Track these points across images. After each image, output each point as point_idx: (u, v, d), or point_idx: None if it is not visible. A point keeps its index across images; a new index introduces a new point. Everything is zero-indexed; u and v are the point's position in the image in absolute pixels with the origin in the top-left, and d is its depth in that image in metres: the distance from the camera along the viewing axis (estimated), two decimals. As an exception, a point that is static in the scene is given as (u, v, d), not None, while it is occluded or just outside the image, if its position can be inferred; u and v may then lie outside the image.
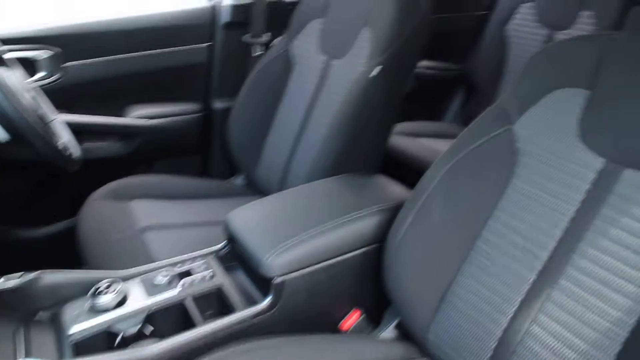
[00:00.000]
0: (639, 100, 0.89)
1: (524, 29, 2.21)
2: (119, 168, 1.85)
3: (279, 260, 1.06)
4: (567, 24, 2.06)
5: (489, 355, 0.93)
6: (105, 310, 1.05)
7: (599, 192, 0.88)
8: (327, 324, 1.17)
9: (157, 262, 1.22)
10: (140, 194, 1.64)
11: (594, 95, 0.94)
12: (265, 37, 2.00)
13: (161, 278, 1.13)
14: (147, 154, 1.94)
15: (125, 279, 1.15)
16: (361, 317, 1.17)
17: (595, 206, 0.88)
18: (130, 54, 1.83)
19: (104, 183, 1.65)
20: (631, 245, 0.82)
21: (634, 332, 0.79)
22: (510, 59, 2.25)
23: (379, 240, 1.17)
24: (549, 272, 0.90)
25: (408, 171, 1.53)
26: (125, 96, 1.89)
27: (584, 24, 2.01)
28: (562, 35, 2.08)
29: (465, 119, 2.54)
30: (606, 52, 0.95)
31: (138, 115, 1.87)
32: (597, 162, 0.90)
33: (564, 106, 0.97)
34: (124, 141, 1.86)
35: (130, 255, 1.34)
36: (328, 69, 1.59)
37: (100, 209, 1.53)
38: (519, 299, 0.92)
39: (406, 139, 2.15)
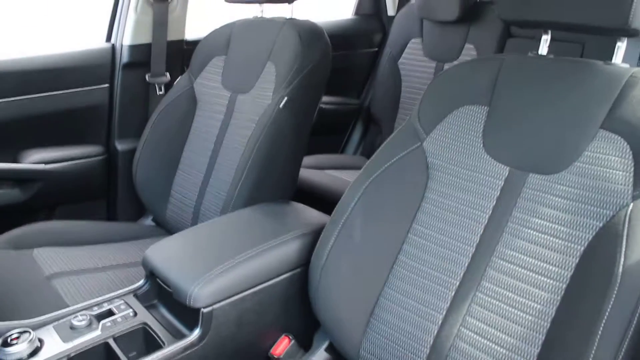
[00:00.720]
0: (530, 111, 0.98)
1: (414, 62, 2.35)
2: (18, 216, 1.74)
3: (205, 290, 1.04)
4: (453, 57, 2.22)
5: (421, 362, 0.96)
6: (18, 361, 0.97)
7: (508, 197, 0.96)
8: (257, 352, 1.15)
9: (70, 307, 1.15)
10: (42, 241, 1.55)
11: (491, 110, 1.03)
12: (166, 77, 1.99)
13: (78, 322, 1.07)
14: (47, 199, 1.84)
15: (36, 327, 1.08)
16: (291, 343, 1.16)
17: (507, 211, 0.95)
18: (26, 96, 1.75)
19: (1, 232, 1.55)
20: (543, 242, 0.89)
21: (554, 321, 0.85)
22: (404, 90, 2.37)
23: (303, 264, 1.18)
24: (471, 276, 0.95)
25: (317, 202, 1.56)
26: (20, 140, 1.79)
27: (469, 55, 2.17)
28: (450, 66, 2.23)
29: (366, 149, 2.64)
30: (499, 72, 1.05)
31: (36, 160, 1.78)
32: (503, 171, 0.98)
33: (467, 122, 1.05)
34: (21, 187, 1.76)
35: (39, 303, 1.26)
36: (234, 104, 1.61)
37: (0, 260, 1.43)
38: (446, 306, 0.96)
39: (312, 171, 2.19)
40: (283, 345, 1.15)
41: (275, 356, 1.15)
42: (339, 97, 2.60)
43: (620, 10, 0.88)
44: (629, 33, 0.92)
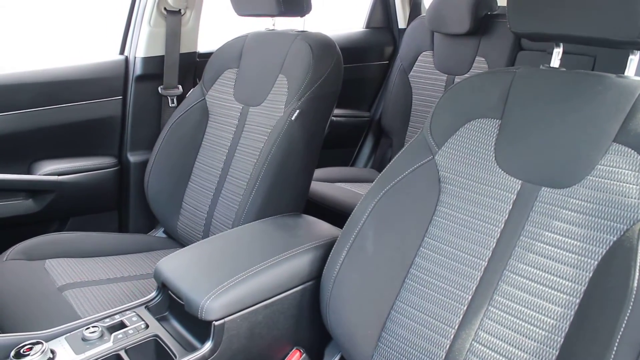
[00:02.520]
0: (543, 124, 0.98)
1: (425, 75, 2.36)
2: (30, 227, 1.76)
3: (217, 302, 1.04)
4: (464, 70, 2.22)
5: (433, 377, 0.95)
6: (31, 373, 0.98)
7: (521, 211, 0.95)
8: (268, 366, 1.15)
9: (82, 319, 1.16)
10: (54, 252, 1.56)
11: (504, 123, 1.02)
12: (178, 89, 2.00)
13: (90, 333, 1.08)
14: (59, 211, 1.86)
15: (48, 339, 1.08)
16: (302, 357, 1.16)
17: (519, 224, 0.94)
18: (39, 108, 1.76)
19: (14, 243, 1.56)
20: (556, 257, 0.89)
21: (568, 336, 0.84)
22: (415, 103, 2.38)
23: (315, 277, 1.18)
24: (484, 291, 0.95)
25: (328, 215, 1.56)
26: (34, 151, 1.81)
27: (480, 68, 2.17)
28: (461, 79, 2.23)
29: (377, 162, 2.64)
30: (510, 85, 1.05)
31: (48, 172, 1.79)
32: (515, 184, 0.97)
33: (480, 135, 1.05)
34: (34, 198, 1.77)
35: (51, 315, 1.27)
36: (245, 116, 1.62)
37: (12, 270, 1.44)
38: (458, 320, 0.96)
39: (324, 184, 2.20)
40: (294, 358, 1.15)
41: (288, 368, 1.15)
42: (349, 110, 2.61)
43: (632, 23, 0.88)
44: (638, 46, 0.91)
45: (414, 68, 2.40)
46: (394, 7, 2.74)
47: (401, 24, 2.75)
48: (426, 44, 2.37)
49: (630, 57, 0.97)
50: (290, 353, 1.16)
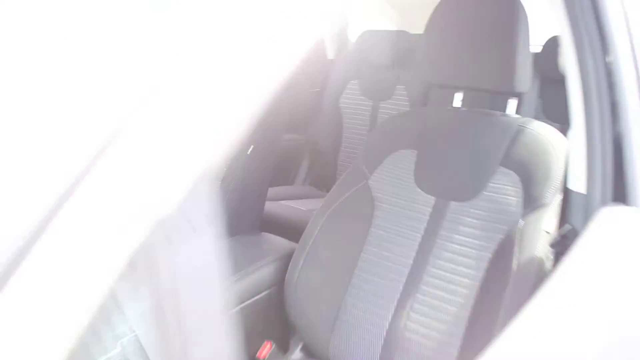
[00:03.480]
0: (449, 152, 1.29)
1: (353, 101, 2.68)
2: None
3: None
4: (387, 97, 2.55)
5: (379, 350, 1.24)
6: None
7: (436, 220, 1.26)
8: (245, 357, 1.41)
9: None
10: None
11: (419, 153, 1.34)
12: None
13: None
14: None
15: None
16: (272, 347, 1.42)
17: (435, 230, 1.25)
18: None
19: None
20: (462, 252, 1.20)
21: (472, 309, 1.15)
22: (346, 126, 2.69)
23: (279, 282, 1.45)
24: (412, 282, 1.25)
25: (279, 231, 1.82)
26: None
27: (400, 95, 2.51)
28: (385, 104, 2.57)
29: (313, 179, 2.93)
30: (424, 122, 1.36)
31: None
32: (430, 200, 1.28)
33: (402, 163, 1.35)
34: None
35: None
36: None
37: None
38: (394, 306, 1.25)
39: (272, 203, 2.46)
40: (266, 349, 1.41)
41: (261, 359, 1.40)
42: (288, 134, 2.88)
43: (508, 78, 1.21)
44: (515, 94, 1.25)
45: (343, 94, 2.71)
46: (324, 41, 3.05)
47: (330, 55, 3.06)
48: (353, 74, 2.68)
49: (509, 100, 1.31)
50: (263, 345, 1.42)
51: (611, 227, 0.97)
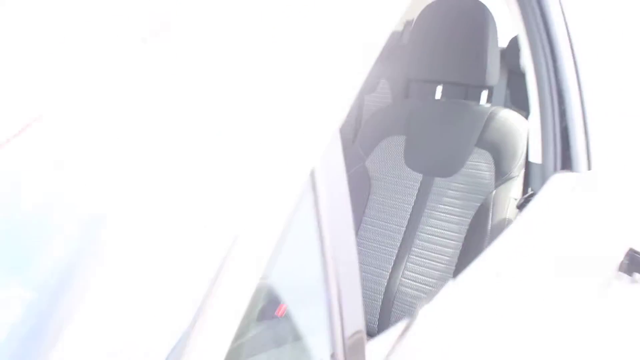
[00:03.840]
0: (432, 136, 1.54)
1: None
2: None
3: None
4: (372, 89, 2.79)
5: (380, 303, 1.49)
6: None
7: (423, 193, 1.51)
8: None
9: None
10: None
11: (407, 138, 1.58)
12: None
13: None
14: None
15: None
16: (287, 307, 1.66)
17: (423, 202, 1.50)
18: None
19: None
20: (447, 219, 1.46)
21: (457, 265, 1.40)
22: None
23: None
24: (405, 246, 1.50)
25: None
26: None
27: (383, 88, 2.75)
28: (369, 97, 2.81)
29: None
30: (410, 112, 1.61)
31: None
32: (418, 177, 1.53)
33: (393, 146, 1.60)
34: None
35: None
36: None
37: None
38: (390, 266, 1.50)
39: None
40: (283, 309, 1.65)
41: (279, 316, 1.64)
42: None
43: (480, 73, 1.45)
44: (486, 87, 1.50)
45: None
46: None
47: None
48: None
49: (482, 92, 1.56)
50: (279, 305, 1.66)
51: (559, 188, 1.24)
